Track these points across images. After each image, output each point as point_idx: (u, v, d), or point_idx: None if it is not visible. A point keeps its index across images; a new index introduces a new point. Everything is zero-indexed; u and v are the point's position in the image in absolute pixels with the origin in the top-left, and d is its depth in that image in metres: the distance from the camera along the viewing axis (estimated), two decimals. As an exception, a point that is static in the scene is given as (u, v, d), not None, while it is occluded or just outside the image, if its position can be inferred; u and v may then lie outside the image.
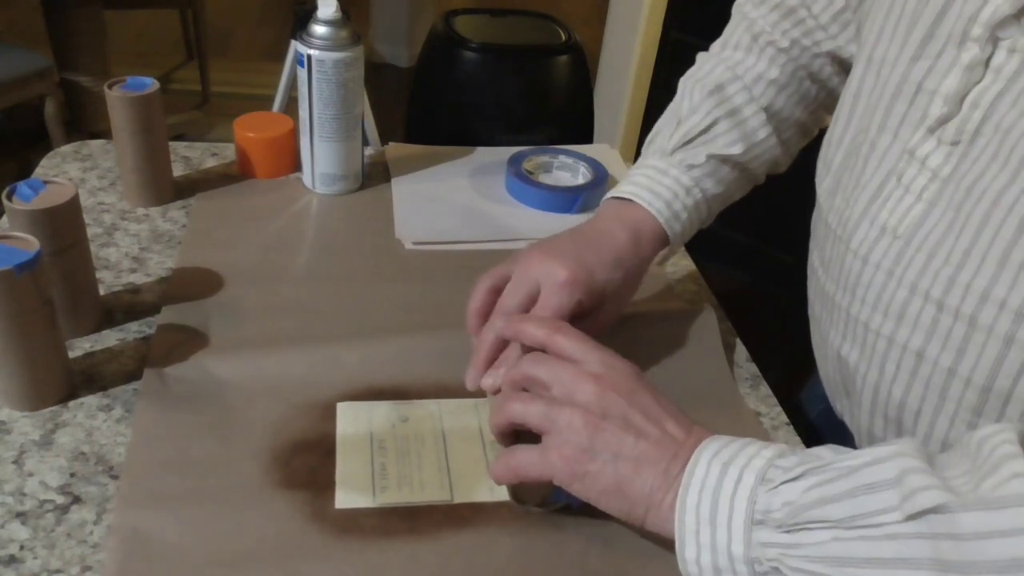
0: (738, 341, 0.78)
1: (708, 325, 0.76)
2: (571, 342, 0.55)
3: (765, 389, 0.72)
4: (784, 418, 0.69)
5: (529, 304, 0.63)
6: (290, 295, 0.76)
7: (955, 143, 0.51)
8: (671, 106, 0.74)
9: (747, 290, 2.24)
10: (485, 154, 1.02)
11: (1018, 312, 0.47)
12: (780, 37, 0.71)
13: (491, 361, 0.62)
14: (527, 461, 0.52)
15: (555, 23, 1.91)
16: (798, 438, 0.67)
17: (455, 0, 2.40)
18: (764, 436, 0.67)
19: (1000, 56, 0.49)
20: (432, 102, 1.84)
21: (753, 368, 0.75)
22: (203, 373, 0.66)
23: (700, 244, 0.91)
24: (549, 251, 0.64)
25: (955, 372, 0.51)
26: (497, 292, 0.65)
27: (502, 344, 0.62)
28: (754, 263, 2.25)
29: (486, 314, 0.65)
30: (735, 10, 0.75)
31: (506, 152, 0.98)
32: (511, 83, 1.78)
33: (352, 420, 0.63)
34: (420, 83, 1.88)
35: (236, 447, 0.60)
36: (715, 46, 0.75)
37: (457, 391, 0.65)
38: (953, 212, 0.50)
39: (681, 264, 0.87)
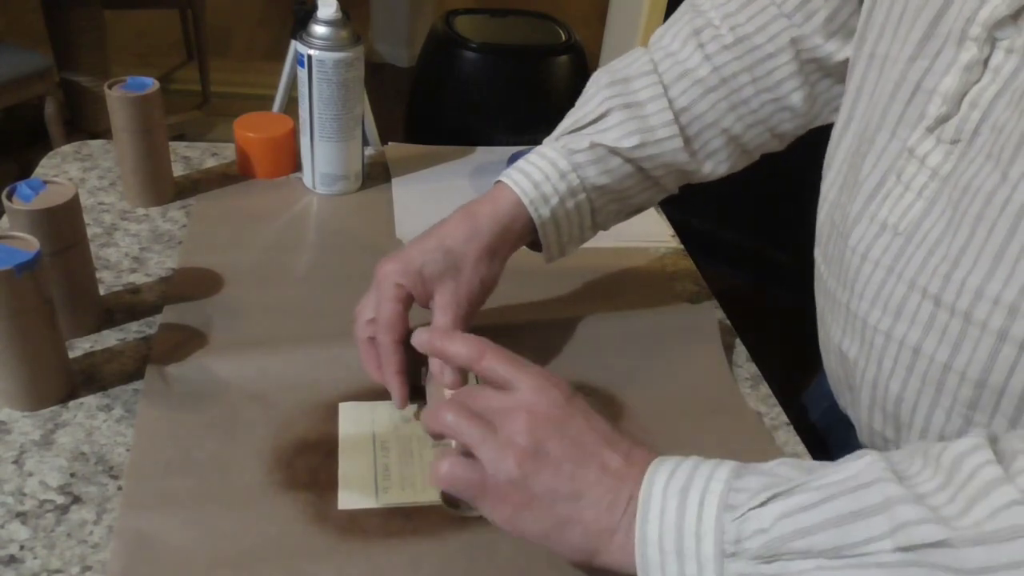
0: (738, 341, 0.78)
1: (708, 325, 0.76)
2: (500, 364, 0.52)
3: (765, 389, 0.72)
4: (784, 418, 0.69)
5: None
6: (292, 295, 0.76)
7: (955, 142, 0.51)
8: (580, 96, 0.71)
9: (747, 290, 2.24)
10: (485, 154, 1.02)
11: (1011, 308, 0.47)
12: (727, 32, 0.66)
13: (402, 366, 0.63)
14: (464, 483, 0.49)
15: (555, 23, 1.91)
16: (797, 437, 0.67)
17: (455, 0, 2.40)
18: (766, 436, 0.67)
19: (998, 56, 0.49)
20: (432, 102, 1.84)
21: (753, 368, 0.75)
22: (205, 373, 0.66)
23: (700, 244, 0.90)
24: (385, 255, 0.65)
25: (951, 367, 0.51)
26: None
27: (400, 347, 0.63)
28: (754, 263, 2.25)
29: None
30: (686, 1, 0.71)
31: (506, 152, 0.98)
32: (511, 83, 1.78)
33: (354, 420, 0.63)
34: (420, 83, 1.88)
35: (238, 448, 0.60)
36: (654, 36, 0.71)
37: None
38: (952, 210, 0.50)
39: (681, 264, 0.87)
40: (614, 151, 0.67)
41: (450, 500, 0.54)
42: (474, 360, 0.53)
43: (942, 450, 0.42)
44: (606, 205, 0.69)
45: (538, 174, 0.66)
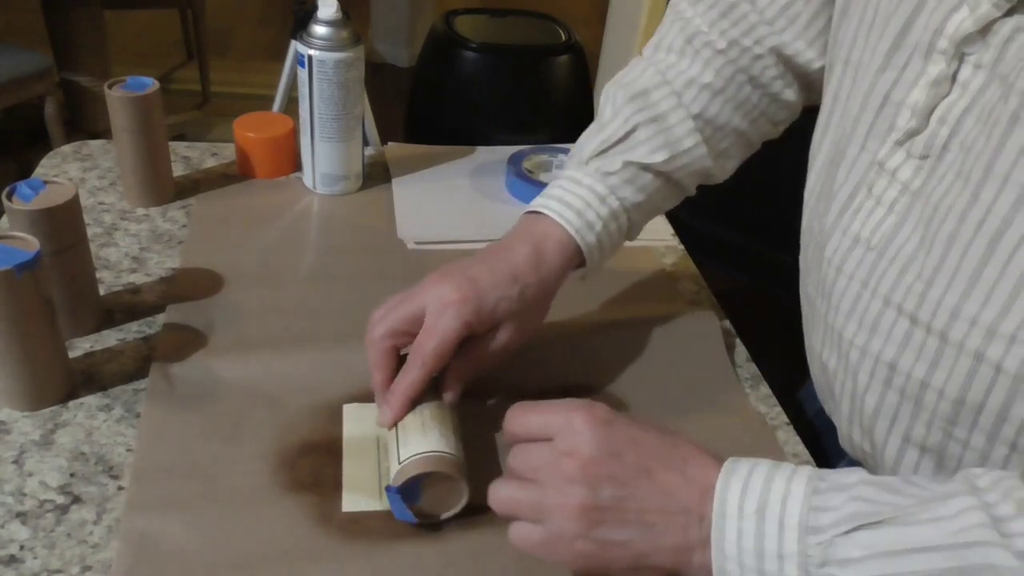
0: (738, 341, 0.78)
1: (710, 326, 0.76)
2: (526, 416, 0.51)
3: (765, 389, 0.72)
4: (784, 418, 0.69)
5: (412, 324, 0.60)
6: (294, 296, 0.76)
7: (924, 157, 0.51)
8: (598, 113, 0.70)
9: (747, 290, 2.24)
10: (485, 153, 1.02)
11: (989, 330, 0.46)
12: (718, 37, 0.66)
13: (390, 380, 0.60)
14: (534, 545, 0.49)
15: (555, 23, 1.91)
16: (797, 437, 0.67)
17: (455, 0, 2.40)
18: (768, 436, 0.67)
19: (966, 71, 0.49)
20: (432, 102, 1.85)
21: (753, 368, 0.75)
22: (209, 374, 0.66)
23: (700, 244, 0.91)
24: (443, 273, 0.62)
25: (928, 384, 0.51)
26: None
27: (394, 354, 0.60)
28: (754, 263, 2.25)
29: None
30: (670, 9, 0.71)
31: (506, 151, 0.98)
32: (511, 83, 1.78)
33: (358, 422, 0.63)
34: (420, 83, 1.88)
35: (242, 449, 0.60)
36: (647, 48, 0.71)
37: (465, 391, 0.65)
38: (924, 227, 0.50)
39: (681, 264, 0.87)
40: (646, 167, 0.67)
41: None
42: (504, 424, 0.52)
43: None
44: (639, 218, 0.70)
45: (579, 202, 0.65)
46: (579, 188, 0.66)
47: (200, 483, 0.57)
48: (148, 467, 0.58)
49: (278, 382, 0.66)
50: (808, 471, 0.45)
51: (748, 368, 0.75)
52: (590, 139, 0.68)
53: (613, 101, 0.68)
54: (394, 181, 0.95)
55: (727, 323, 0.79)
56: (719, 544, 0.45)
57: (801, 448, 0.66)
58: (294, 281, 0.78)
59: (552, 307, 0.77)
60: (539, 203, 0.66)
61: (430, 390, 0.60)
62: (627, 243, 0.78)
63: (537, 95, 1.79)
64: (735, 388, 0.71)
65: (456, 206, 0.92)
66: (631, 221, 0.68)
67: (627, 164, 0.66)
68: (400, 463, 0.55)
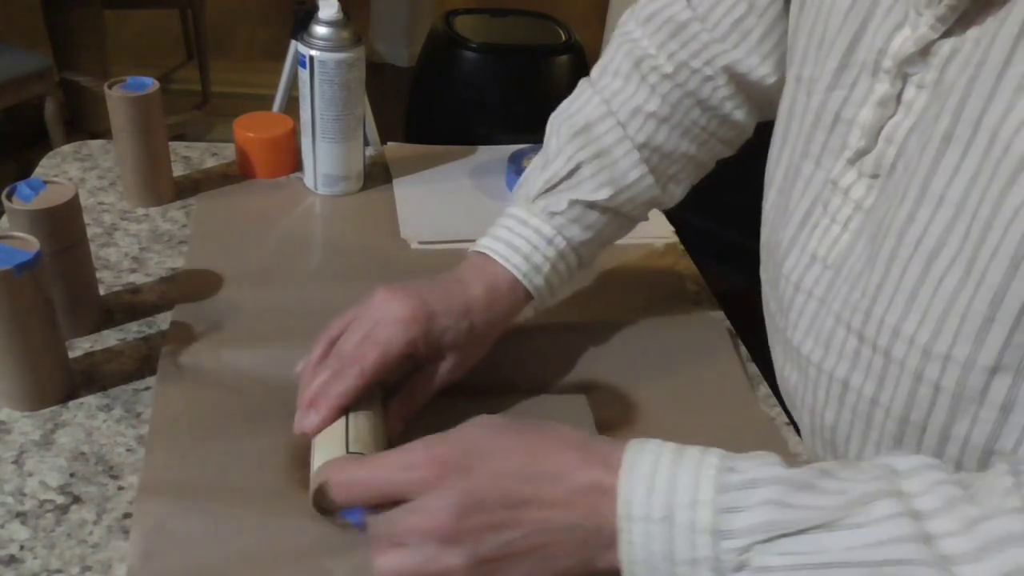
0: (738, 341, 0.78)
1: (715, 326, 0.77)
2: (375, 483, 0.48)
3: (765, 389, 0.72)
4: (784, 418, 0.69)
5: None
6: (300, 297, 0.76)
7: (874, 176, 0.51)
8: (543, 147, 0.70)
9: (747, 290, 2.24)
10: (485, 152, 1.02)
11: (925, 350, 0.46)
12: (665, 61, 0.66)
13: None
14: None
15: (555, 23, 1.91)
16: (799, 437, 0.67)
17: (455, 0, 2.40)
18: (775, 436, 0.67)
19: (910, 91, 0.49)
20: (432, 102, 1.85)
21: (753, 368, 0.75)
22: (220, 365, 0.66)
23: (700, 244, 0.90)
24: (394, 290, 0.60)
25: (877, 402, 0.51)
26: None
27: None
28: (754, 263, 2.25)
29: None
30: (618, 29, 0.70)
31: (506, 150, 0.98)
32: (511, 83, 1.78)
33: None
34: (420, 83, 1.88)
35: (255, 443, 0.60)
36: (594, 71, 0.70)
37: (470, 388, 0.65)
38: (872, 245, 0.50)
39: (681, 264, 0.87)
40: (592, 205, 0.67)
41: (323, 508, 0.54)
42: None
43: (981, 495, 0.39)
44: (590, 252, 0.69)
45: (525, 245, 0.65)
46: (525, 230, 0.66)
47: (214, 476, 0.57)
48: (161, 457, 0.58)
49: (288, 379, 0.66)
50: (715, 462, 0.43)
51: (748, 368, 0.75)
52: (536, 175, 0.68)
53: (557, 135, 0.68)
54: (395, 181, 0.95)
55: (727, 323, 0.79)
56: (627, 548, 0.43)
57: (802, 448, 0.66)
58: (300, 282, 0.78)
59: (553, 306, 0.77)
60: (486, 245, 0.66)
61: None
62: (627, 242, 0.78)
63: (537, 95, 1.79)
64: (743, 388, 0.71)
65: (458, 205, 0.92)
66: (580, 257, 0.68)
67: (573, 203, 0.66)
68: (315, 471, 0.54)
